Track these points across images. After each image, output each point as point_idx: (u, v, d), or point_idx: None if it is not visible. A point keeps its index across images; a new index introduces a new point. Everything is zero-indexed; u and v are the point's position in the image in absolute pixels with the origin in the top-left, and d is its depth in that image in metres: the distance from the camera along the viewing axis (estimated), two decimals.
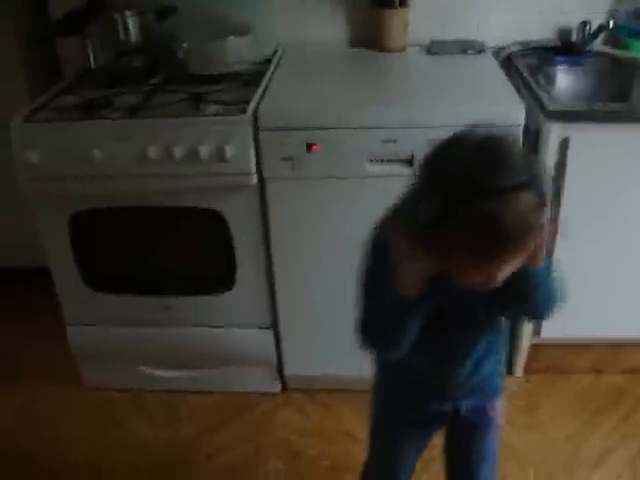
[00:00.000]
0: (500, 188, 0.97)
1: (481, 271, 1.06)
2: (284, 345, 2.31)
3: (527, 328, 2.33)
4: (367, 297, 1.30)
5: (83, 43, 2.23)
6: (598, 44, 2.44)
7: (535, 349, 2.40)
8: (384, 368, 1.55)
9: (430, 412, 1.48)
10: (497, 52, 2.44)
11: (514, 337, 2.37)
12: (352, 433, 2.23)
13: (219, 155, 1.93)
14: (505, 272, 1.07)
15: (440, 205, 0.99)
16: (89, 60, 2.24)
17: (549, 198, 1.05)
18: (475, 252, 1.01)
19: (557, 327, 2.29)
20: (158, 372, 2.42)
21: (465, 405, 1.47)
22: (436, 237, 1.02)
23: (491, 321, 1.34)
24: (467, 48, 2.40)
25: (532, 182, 1.00)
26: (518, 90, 2.09)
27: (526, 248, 1.04)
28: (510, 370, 2.45)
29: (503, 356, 1.52)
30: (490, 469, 1.57)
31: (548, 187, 1.05)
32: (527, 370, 2.45)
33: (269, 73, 2.25)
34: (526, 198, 0.99)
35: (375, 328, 1.29)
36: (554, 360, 2.43)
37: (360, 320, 1.30)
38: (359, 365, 2.27)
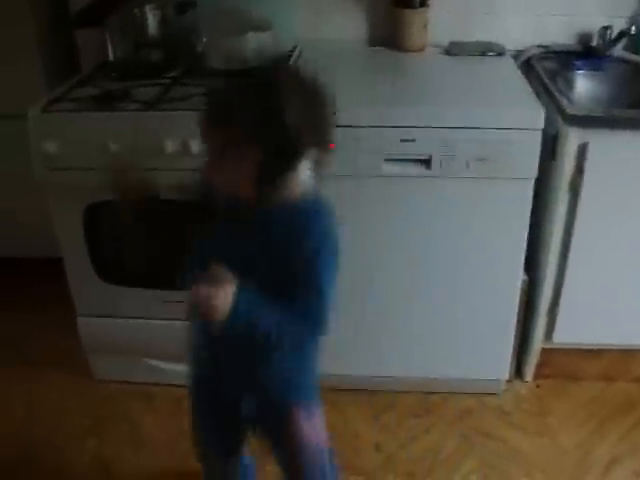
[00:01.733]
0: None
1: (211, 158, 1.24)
2: None
3: (538, 333, 2.32)
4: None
5: (102, 35, 2.24)
6: (619, 49, 2.42)
7: (546, 354, 2.39)
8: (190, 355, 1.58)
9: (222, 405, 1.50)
10: (516, 55, 2.43)
11: (524, 341, 2.36)
12: (359, 433, 2.22)
13: None
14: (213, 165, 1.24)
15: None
16: (108, 52, 2.24)
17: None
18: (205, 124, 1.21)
19: (569, 332, 2.29)
20: (167, 366, 2.41)
21: (249, 407, 1.46)
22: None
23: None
24: (486, 50, 2.39)
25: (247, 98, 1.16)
26: (537, 94, 2.08)
27: (214, 138, 1.21)
28: (519, 374, 2.45)
29: (305, 362, 1.51)
30: None
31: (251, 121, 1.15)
32: (537, 375, 2.44)
33: None
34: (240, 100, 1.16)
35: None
36: (565, 366, 2.42)
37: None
38: (367, 365, 2.29)
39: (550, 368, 2.42)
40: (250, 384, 1.44)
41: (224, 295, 1.18)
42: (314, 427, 1.53)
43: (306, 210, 1.28)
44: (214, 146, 1.22)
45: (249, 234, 1.28)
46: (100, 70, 2.29)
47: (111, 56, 2.24)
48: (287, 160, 1.19)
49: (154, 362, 2.42)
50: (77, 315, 2.35)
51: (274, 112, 1.15)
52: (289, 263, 1.25)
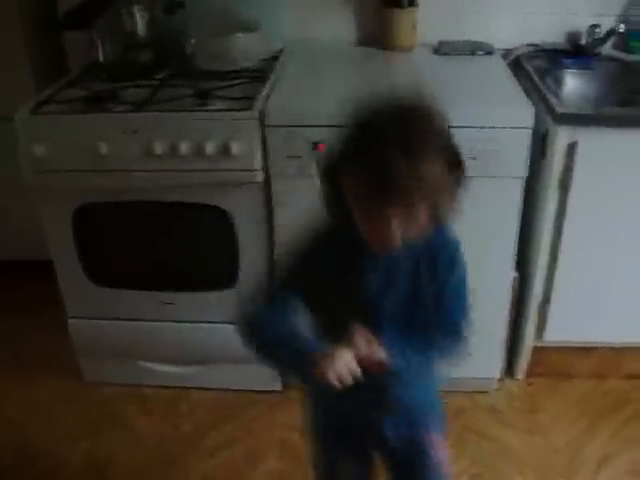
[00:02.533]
0: (405, 144, 1.06)
1: (375, 222, 1.11)
2: None
3: (529, 331, 2.32)
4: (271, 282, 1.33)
5: (91, 36, 2.23)
6: (608, 48, 2.43)
7: (537, 352, 2.39)
8: (315, 403, 1.51)
9: (357, 431, 1.44)
10: (506, 54, 2.43)
11: (516, 339, 2.37)
12: None
13: (225, 151, 1.93)
14: (396, 232, 1.10)
15: (352, 141, 1.12)
16: (96, 53, 2.23)
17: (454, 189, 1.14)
18: (366, 195, 1.09)
19: (560, 330, 2.29)
20: (159, 368, 2.42)
21: (392, 430, 1.41)
22: (344, 171, 1.11)
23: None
24: (476, 49, 2.40)
25: (438, 153, 1.08)
26: (526, 93, 2.08)
27: (408, 210, 1.09)
28: (511, 372, 2.45)
29: (435, 394, 1.47)
30: None
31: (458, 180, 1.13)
32: (529, 373, 2.45)
33: (276, 70, 2.25)
34: (427, 163, 1.06)
35: (256, 335, 1.30)
36: (556, 364, 2.42)
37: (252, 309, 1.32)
38: None
39: (542, 366, 2.42)
40: (394, 407, 1.39)
41: (379, 353, 1.16)
42: (445, 452, 1.49)
43: (445, 239, 1.26)
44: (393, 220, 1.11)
45: (381, 270, 1.24)
46: (89, 71, 2.28)
47: (100, 57, 2.23)
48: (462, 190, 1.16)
49: (146, 364, 2.42)
50: (68, 317, 2.34)
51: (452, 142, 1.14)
52: (427, 293, 1.24)
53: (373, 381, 1.21)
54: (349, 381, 1.13)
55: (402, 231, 1.11)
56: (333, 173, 1.15)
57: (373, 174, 1.06)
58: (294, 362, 1.25)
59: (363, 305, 1.23)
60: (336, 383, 1.12)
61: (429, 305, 1.24)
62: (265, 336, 1.28)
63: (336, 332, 1.19)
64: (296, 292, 1.26)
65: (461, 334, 1.28)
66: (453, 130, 1.15)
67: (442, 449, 1.48)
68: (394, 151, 1.04)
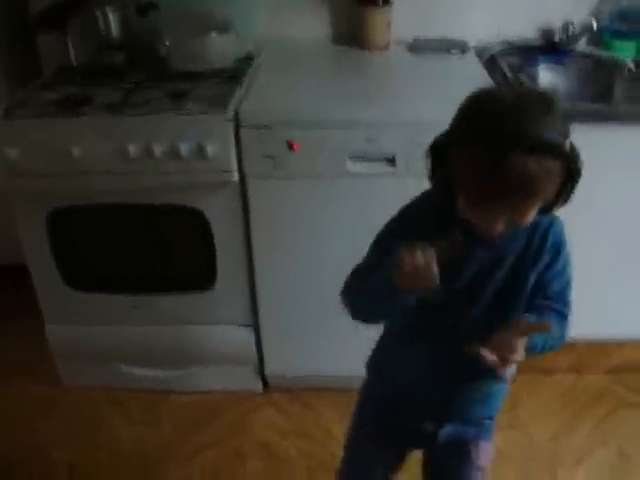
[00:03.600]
0: (527, 140, 0.99)
1: (483, 211, 1.07)
2: (265, 344, 2.30)
3: None
4: (365, 258, 1.29)
5: (63, 39, 2.20)
6: (581, 44, 2.44)
7: None
8: (374, 372, 1.51)
9: (410, 426, 1.44)
10: (480, 51, 2.43)
11: None
12: (333, 433, 2.22)
13: (200, 152, 1.92)
14: (501, 226, 1.08)
15: (466, 126, 1.06)
16: (69, 56, 2.21)
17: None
18: (477, 188, 1.04)
19: None
20: (138, 371, 2.40)
21: (445, 432, 1.42)
22: (454, 152, 1.06)
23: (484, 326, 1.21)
24: (450, 47, 2.40)
25: (558, 151, 1.03)
26: None
27: (525, 207, 1.06)
28: None
29: (498, 402, 1.46)
30: None
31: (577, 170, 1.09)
32: None
33: (251, 70, 2.24)
34: (545, 163, 1.01)
35: (350, 291, 1.29)
36: (536, 360, 2.42)
37: (348, 275, 1.30)
38: (341, 364, 2.29)
39: (521, 363, 2.42)
40: (456, 401, 1.39)
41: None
42: (489, 460, 1.48)
43: (549, 222, 1.24)
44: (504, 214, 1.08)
45: (483, 252, 1.21)
46: (62, 74, 2.25)
47: (73, 60, 2.21)
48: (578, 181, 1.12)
49: (125, 367, 2.40)
50: (45, 322, 2.32)
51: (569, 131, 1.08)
52: (530, 279, 1.23)
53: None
54: (433, 281, 1.06)
55: (508, 224, 1.09)
56: (443, 151, 1.10)
57: (486, 168, 1.01)
58: (380, 283, 1.16)
59: (458, 291, 1.21)
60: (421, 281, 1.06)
61: (528, 290, 1.23)
62: (355, 288, 1.27)
63: (427, 321, 1.20)
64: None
65: (568, 315, 1.27)
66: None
67: (487, 456, 1.47)
68: (514, 147, 0.99)
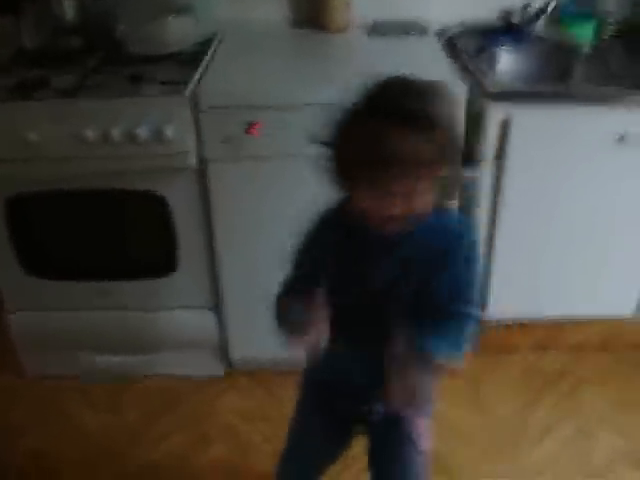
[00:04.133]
0: (409, 114, 1.07)
1: (372, 192, 1.11)
2: (229, 327, 2.30)
3: None
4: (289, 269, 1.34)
5: (18, 22, 2.17)
6: (540, 26, 2.45)
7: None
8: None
9: (346, 410, 1.46)
10: (440, 33, 2.43)
11: None
12: None
13: (158, 136, 1.90)
14: (393, 203, 1.12)
15: (356, 112, 1.12)
16: (24, 39, 2.18)
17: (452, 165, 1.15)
18: (364, 163, 1.09)
19: (499, 308, 2.33)
20: (102, 358, 2.39)
21: (380, 409, 1.44)
22: (344, 141, 1.12)
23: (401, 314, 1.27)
24: (410, 29, 2.40)
25: (440, 131, 1.08)
26: (461, 71, 2.10)
27: (407, 182, 1.10)
28: None
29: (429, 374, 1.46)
30: None
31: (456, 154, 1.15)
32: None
33: (209, 53, 2.21)
34: (427, 138, 1.07)
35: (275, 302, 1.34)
36: (497, 340, 2.45)
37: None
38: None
39: (484, 343, 2.44)
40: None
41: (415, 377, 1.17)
42: (427, 435, 1.49)
43: (452, 222, 1.28)
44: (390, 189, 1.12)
45: (391, 256, 1.24)
46: (16, 58, 2.20)
47: (27, 43, 2.18)
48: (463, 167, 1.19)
49: (88, 355, 2.38)
50: (6, 312, 2.30)
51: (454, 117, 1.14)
52: (437, 276, 1.24)
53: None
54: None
55: (403, 207, 1.12)
56: (336, 142, 1.15)
57: (372, 145, 1.07)
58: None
59: (375, 292, 1.24)
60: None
61: (440, 291, 1.24)
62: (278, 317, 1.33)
63: (349, 317, 1.22)
64: (308, 275, 1.26)
65: (474, 314, 1.28)
66: None
67: (425, 432, 1.49)
68: (394, 123, 1.06)
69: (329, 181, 1.19)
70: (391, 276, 1.24)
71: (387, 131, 1.06)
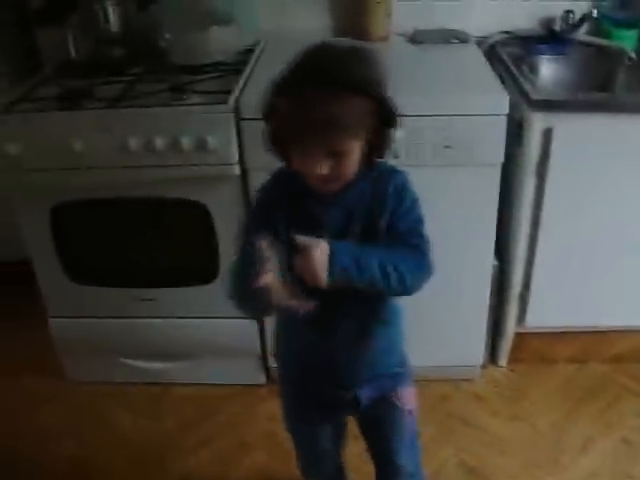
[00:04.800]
0: (333, 81, 1.10)
1: (304, 158, 1.17)
2: (268, 336, 2.30)
3: (511, 318, 2.33)
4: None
5: (63, 33, 2.21)
6: (582, 33, 2.43)
7: (519, 338, 2.41)
8: (282, 357, 1.57)
9: (328, 397, 1.47)
10: (481, 42, 2.42)
11: (498, 326, 2.38)
12: None
13: (201, 145, 1.92)
14: (325, 165, 1.16)
15: (281, 80, 1.16)
16: (69, 50, 2.22)
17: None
18: (295, 132, 1.15)
19: (541, 316, 2.31)
20: (142, 364, 2.41)
21: (365, 395, 1.46)
22: (274, 110, 1.18)
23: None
24: (451, 37, 2.39)
25: (365, 91, 1.12)
26: (502, 80, 2.09)
27: (338, 144, 1.14)
28: (494, 359, 2.46)
29: (400, 347, 1.50)
30: (408, 458, 1.57)
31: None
32: (512, 360, 2.46)
33: (251, 63, 2.23)
34: (348, 98, 1.11)
35: (229, 280, 1.32)
36: (538, 349, 2.44)
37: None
38: None
39: (524, 352, 2.44)
40: (361, 362, 1.42)
41: (319, 253, 1.14)
42: (414, 401, 1.55)
43: (389, 172, 1.31)
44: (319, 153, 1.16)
45: (334, 211, 1.28)
46: (62, 68, 2.25)
47: (72, 54, 2.22)
48: (395, 126, 1.20)
49: (128, 361, 2.41)
50: (49, 317, 2.33)
51: (384, 77, 1.18)
52: (382, 226, 1.27)
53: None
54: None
55: (334, 168, 1.17)
56: (268, 113, 1.20)
57: (297, 111, 1.12)
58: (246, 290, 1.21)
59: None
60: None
61: (384, 237, 1.27)
62: (232, 285, 1.31)
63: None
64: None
65: (424, 246, 1.29)
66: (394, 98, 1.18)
67: (412, 399, 1.54)
68: (315, 87, 1.10)
69: (266, 151, 1.27)
70: (340, 227, 1.28)
71: (310, 96, 1.10)
